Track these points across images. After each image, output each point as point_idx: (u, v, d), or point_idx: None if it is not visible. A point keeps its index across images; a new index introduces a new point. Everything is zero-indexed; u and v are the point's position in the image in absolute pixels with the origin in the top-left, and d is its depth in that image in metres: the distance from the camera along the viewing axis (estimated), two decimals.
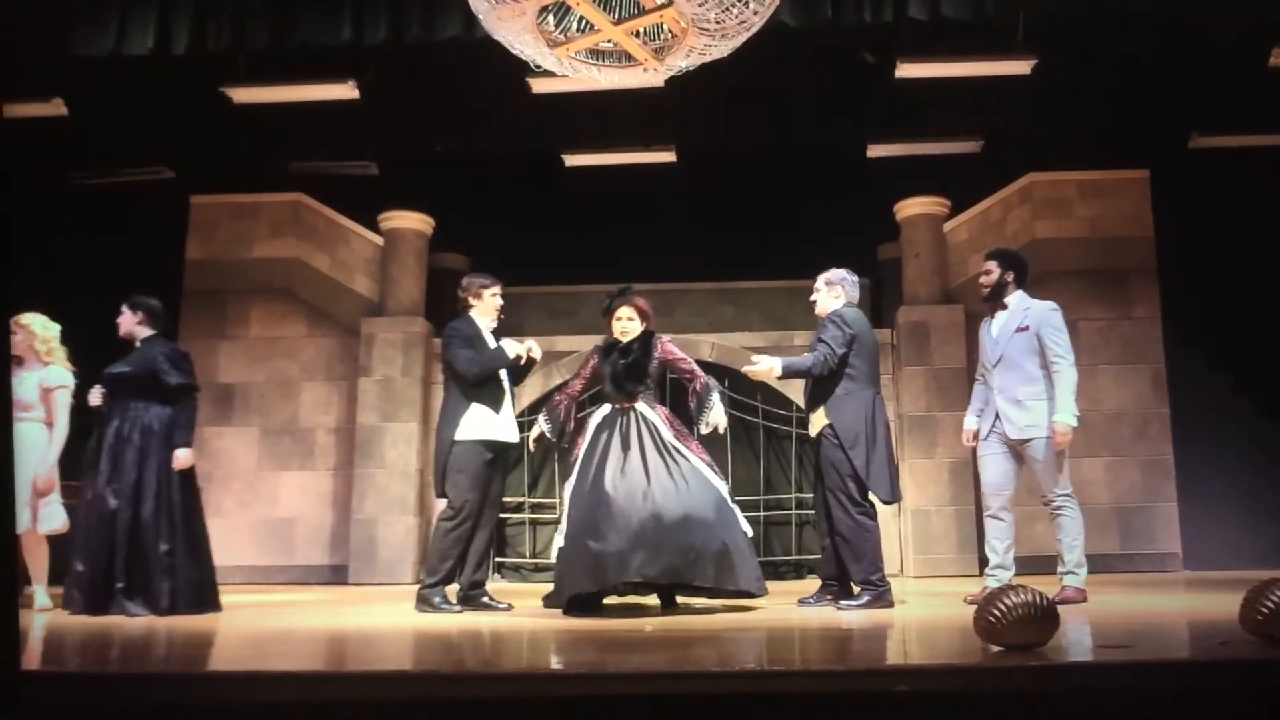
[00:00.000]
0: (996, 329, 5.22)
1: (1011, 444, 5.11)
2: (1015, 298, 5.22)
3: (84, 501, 5.08)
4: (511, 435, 5.07)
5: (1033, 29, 7.39)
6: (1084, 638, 3.33)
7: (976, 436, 5.30)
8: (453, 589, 5.02)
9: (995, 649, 2.76)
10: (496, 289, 5.27)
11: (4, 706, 2.10)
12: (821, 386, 4.95)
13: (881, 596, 4.75)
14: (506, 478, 5.20)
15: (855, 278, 5.22)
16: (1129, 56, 7.77)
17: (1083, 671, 2.64)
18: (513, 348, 5.04)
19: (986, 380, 5.27)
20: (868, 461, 4.77)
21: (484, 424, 4.97)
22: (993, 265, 5.31)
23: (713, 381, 5.08)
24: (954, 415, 8.48)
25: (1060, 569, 5.03)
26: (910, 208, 9.65)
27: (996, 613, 2.75)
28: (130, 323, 5.30)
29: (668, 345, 5.15)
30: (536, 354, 5.15)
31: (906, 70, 7.78)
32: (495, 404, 5.03)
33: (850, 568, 4.84)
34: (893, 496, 4.88)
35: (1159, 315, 9.17)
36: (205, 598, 5.08)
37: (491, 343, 5.12)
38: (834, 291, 5.14)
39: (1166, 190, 9.27)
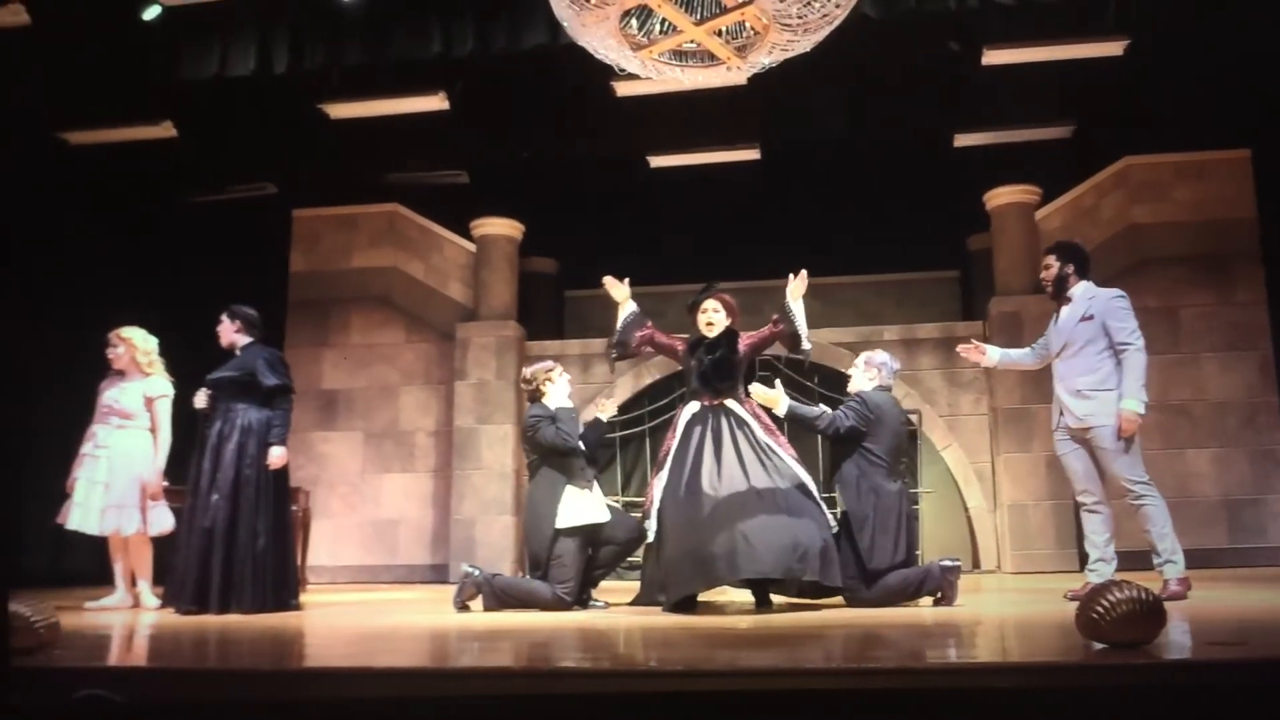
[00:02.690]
0: (1062, 320, 5.15)
1: (1076, 434, 5.02)
2: (1080, 289, 5.14)
3: (189, 500, 5.29)
4: (604, 516, 5.11)
5: (1124, 7, 7.19)
6: (1191, 635, 3.26)
7: (981, 352, 5.35)
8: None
9: (1099, 646, 2.72)
10: (559, 367, 5.45)
11: None
12: (837, 458, 4.97)
13: (938, 583, 4.67)
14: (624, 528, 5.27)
15: (896, 364, 5.19)
16: (1226, 31, 7.50)
17: (1191, 670, 2.59)
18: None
19: (1044, 358, 5.27)
20: (872, 547, 4.71)
21: (582, 509, 5.03)
22: (1051, 259, 5.24)
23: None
24: (1049, 407, 8.31)
25: (1156, 560, 4.89)
26: (1000, 197, 9.47)
27: (1100, 609, 2.70)
28: (230, 331, 5.56)
29: (747, 336, 5.17)
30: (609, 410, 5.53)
31: (993, 57, 7.66)
32: (588, 484, 5.13)
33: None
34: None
35: (1265, 300, 8.83)
36: (289, 597, 5.29)
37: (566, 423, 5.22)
38: (870, 373, 5.12)
39: (1270, 170, 8.92)
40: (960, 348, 5.50)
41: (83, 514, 5.74)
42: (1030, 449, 8.78)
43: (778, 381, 4.96)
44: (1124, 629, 2.69)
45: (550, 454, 5.13)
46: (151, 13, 7.09)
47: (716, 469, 4.70)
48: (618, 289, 5.31)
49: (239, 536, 5.11)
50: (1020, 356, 5.47)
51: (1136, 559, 5.61)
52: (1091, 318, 5.00)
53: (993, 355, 5.43)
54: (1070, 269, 5.17)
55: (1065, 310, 5.15)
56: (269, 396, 5.36)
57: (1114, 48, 7.40)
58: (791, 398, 5.02)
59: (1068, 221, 9.38)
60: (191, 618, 4.91)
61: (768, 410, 5.01)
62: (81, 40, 7.23)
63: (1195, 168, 9.14)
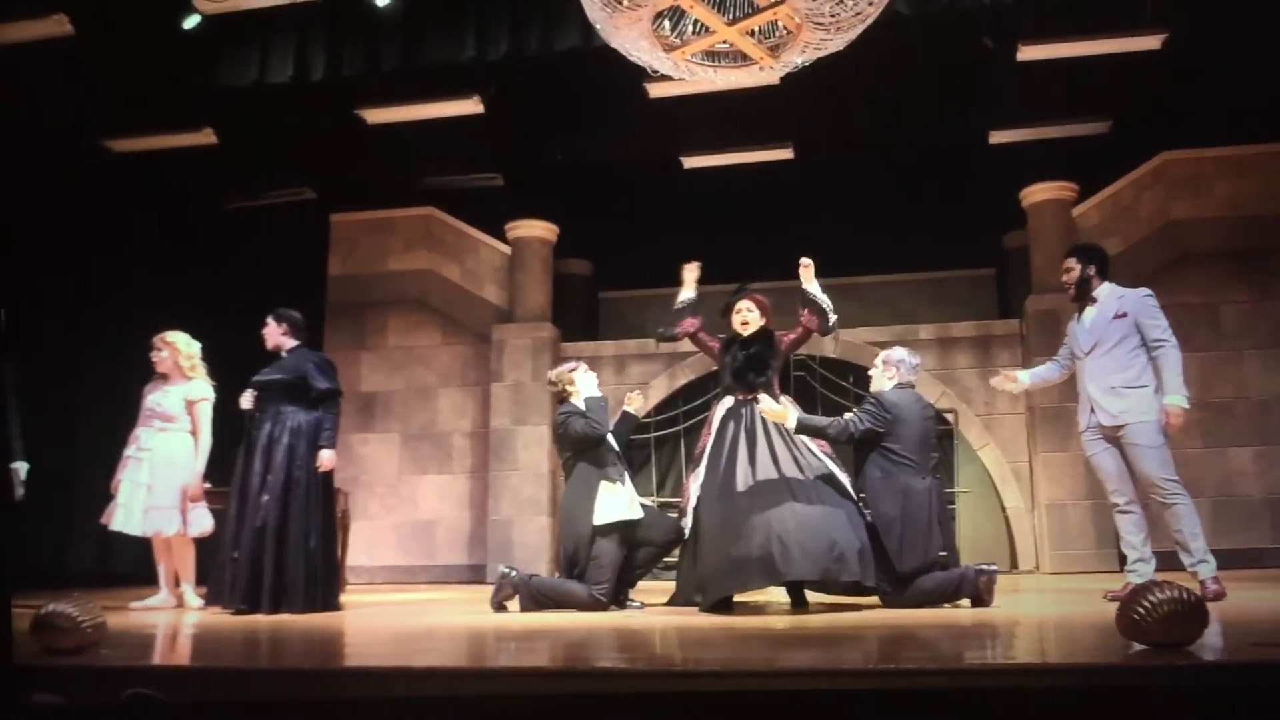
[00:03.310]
0: (1089, 320, 5.14)
1: (1108, 433, 4.98)
2: (1104, 289, 5.15)
3: (237, 499, 5.33)
4: (638, 514, 5.08)
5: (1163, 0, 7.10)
6: (1234, 635, 3.23)
7: (1013, 379, 5.37)
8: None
9: (1139, 647, 2.70)
10: (583, 365, 5.45)
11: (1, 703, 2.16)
12: (859, 460, 4.93)
13: (974, 588, 4.62)
14: (664, 527, 5.21)
15: (915, 360, 5.15)
16: (1266, 23, 7.38)
17: (1233, 671, 2.56)
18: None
19: (1076, 372, 5.22)
20: (900, 549, 4.65)
21: (618, 506, 4.99)
22: (1072, 262, 5.24)
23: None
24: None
25: (1189, 561, 4.83)
26: (1036, 194, 9.38)
27: (1141, 610, 2.67)
28: (276, 334, 5.61)
29: (782, 334, 5.20)
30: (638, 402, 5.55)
31: (1029, 53, 7.59)
32: (621, 478, 5.09)
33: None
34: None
35: None
36: (331, 598, 5.34)
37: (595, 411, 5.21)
38: (889, 372, 5.08)
39: None
40: (993, 381, 5.51)
41: (126, 515, 5.85)
42: (1068, 448, 8.68)
43: (784, 397, 4.95)
44: (1166, 630, 2.66)
45: (583, 449, 5.14)
46: (191, 21, 7.20)
47: (751, 469, 4.71)
48: (690, 272, 5.38)
49: (290, 537, 5.17)
50: (1048, 372, 5.45)
51: (1176, 559, 5.55)
52: (1125, 315, 5.00)
53: (1024, 379, 5.42)
54: (1092, 270, 5.17)
55: (1092, 310, 5.14)
56: (318, 400, 5.43)
57: (1152, 42, 7.31)
58: (822, 397, 5.02)
59: (1105, 218, 9.28)
60: (234, 617, 4.98)
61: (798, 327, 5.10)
62: (123, 50, 7.36)
63: (1235, 162, 9.01)
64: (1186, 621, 2.67)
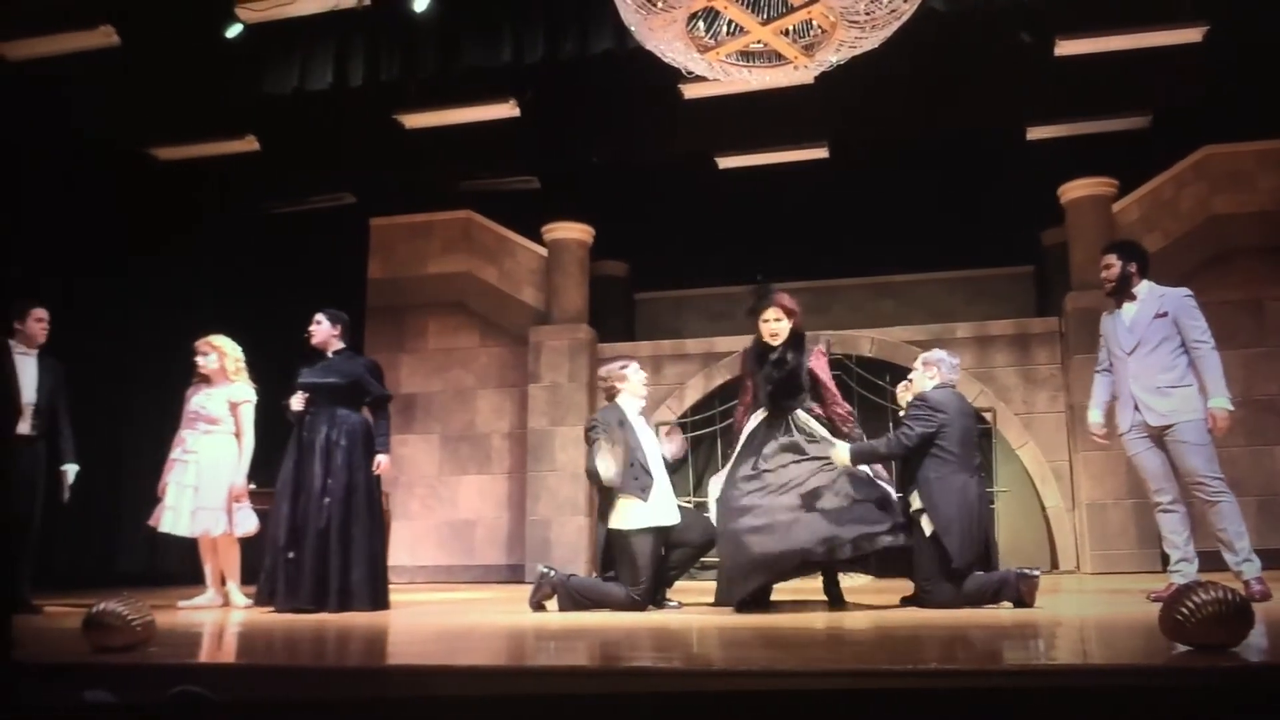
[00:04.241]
0: (1130, 318, 5.08)
1: (1153, 432, 4.92)
2: (1144, 287, 5.10)
3: (290, 500, 5.35)
4: (673, 518, 5.05)
5: None
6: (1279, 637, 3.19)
7: (1104, 429, 5.24)
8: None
9: (1183, 649, 2.68)
10: (635, 364, 5.40)
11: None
12: (909, 467, 4.89)
13: (1015, 591, 4.59)
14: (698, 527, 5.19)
15: (954, 360, 5.13)
16: None
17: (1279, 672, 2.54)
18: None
19: (1115, 370, 5.15)
20: (960, 548, 4.62)
21: (647, 510, 4.96)
22: (1112, 259, 5.17)
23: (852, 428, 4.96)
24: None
25: (1233, 560, 4.77)
26: (1075, 190, 9.28)
27: (1185, 610, 2.65)
28: (326, 334, 5.65)
29: (820, 361, 5.03)
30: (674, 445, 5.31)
31: (1066, 47, 7.52)
32: (643, 494, 4.99)
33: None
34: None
35: None
36: (384, 597, 5.41)
37: (638, 426, 5.18)
38: (929, 372, 5.05)
39: None
40: (1095, 437, 5.38)
41: (174, 517, 5.95)
42: (1109, 446, 8.53)
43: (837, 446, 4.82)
44: (1210, 631, 2.63)
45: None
46: (234, 31, 7.32)
47: (773, 472, 4.70)
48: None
49: (354, 538, 5.24)
50: (1105, 392, 5.29)
51: (1219, 559, 5.48)
52: (1166, 314, 4.95)
53: (1100, 416, 5.29)
54: (1133, 267, 5.12)
55: (1132, 308, 5.08)
56: (371, 404, 5.53)
57: (1193, 34, 7.21)
58: (859, 396, 4.98)
59: (1146, 214, 9.16)
60: (278, 616, 5.04)
61: (839, 408, 4.98)
62: (168, 60, 7.50)
63: (1278, 156, 8.85)
64: (1231, 622, 2.64)
